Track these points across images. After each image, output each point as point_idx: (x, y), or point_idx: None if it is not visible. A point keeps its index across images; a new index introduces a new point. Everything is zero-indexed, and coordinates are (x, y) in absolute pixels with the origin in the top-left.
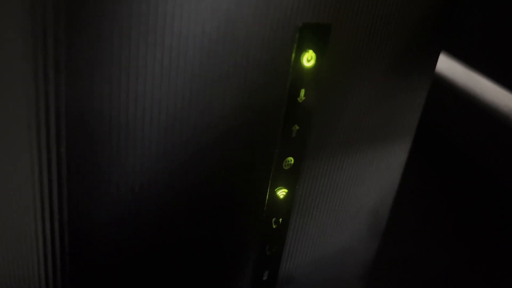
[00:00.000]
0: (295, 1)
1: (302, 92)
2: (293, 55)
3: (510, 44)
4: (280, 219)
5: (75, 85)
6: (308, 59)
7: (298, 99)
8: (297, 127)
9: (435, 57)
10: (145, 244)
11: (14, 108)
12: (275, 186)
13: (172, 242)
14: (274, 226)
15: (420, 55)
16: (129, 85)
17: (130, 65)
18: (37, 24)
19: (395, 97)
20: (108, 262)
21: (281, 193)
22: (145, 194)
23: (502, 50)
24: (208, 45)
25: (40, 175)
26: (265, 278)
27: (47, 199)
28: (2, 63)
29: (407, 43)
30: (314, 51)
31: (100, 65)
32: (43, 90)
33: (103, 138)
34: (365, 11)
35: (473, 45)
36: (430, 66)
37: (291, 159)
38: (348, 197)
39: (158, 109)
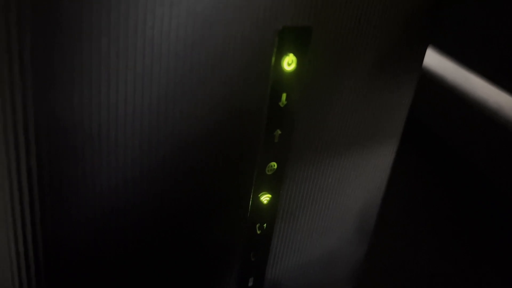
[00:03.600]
0: (274, 2)
1: (284, 96)
2: (273, 59)
3: (500, 40)
4: (265, 225)
5: (43, 95)
6: (289, 62)
7: (280, 103)
8: (280, 132)
9: (421, 55)
10: (123, 253)
11: None
12: (259, 191)
13: (153, 249)
14: (258, 232)
15: (406, 54)
16: (101, 94)
17: (101, 73)
18: (0, 31)
19: (381, 97)
20: (83, 273)
21: (265, 198)
22: (121, 203)
23: (492, 46)
24: (184, 51)
25: (11, 189)
26: (250, 284)
27: (19, 212)
28: None
29: (392, 41)
30: (295, 55)
31: (69, 73)
32: (10, 101)
33: (75, 148)
34: (347, 10)
35: (462, 41)
36: (416, 64)
37: (274, 164)
38: (335, 200)
39: (132, 118)
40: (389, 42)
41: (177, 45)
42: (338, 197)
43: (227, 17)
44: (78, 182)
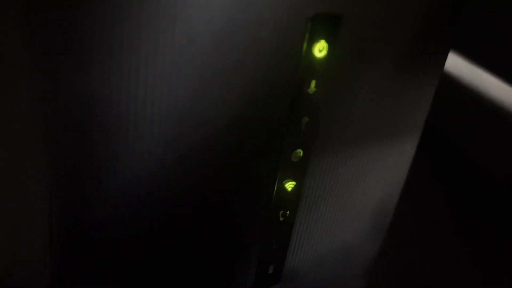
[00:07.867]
0: None
1: (313, 83)
2: (305, 45)
3: None
4: (287, 212)
5: (80, 74)
6: (320, 49)
7: (309, 90)
8: (307, 119)
9: (445, 54)
10: (148, 239)
11: (12, 108)
12: (283, 178)
13: (178, 235)
14: (281, 219)
15: (430, 52)
16: (139, 71)
17: (140, 51)
18: (39, 25)
19: (404, 92)
20: (103, 261)
21: (289, 185)
22: (150, 187)
23: (509, 46)
24: (219, 32)
25: (48, 169)
26: (270, 271)
27: (54, 194)
28: None
29: (418, 39)
30: (326, 41)
31: (109, 50)
32: (50, 89)
33: (111, 125)
34: (377, 4)
35: (479, 41)
36: (439, 62)
37: (300, 152)
38: (355, 192)
39: (167, 96)
40: (415, 40)
41: (213, 26)
42: (359, 189)
43: (260, 2)
44: (108, 167)
